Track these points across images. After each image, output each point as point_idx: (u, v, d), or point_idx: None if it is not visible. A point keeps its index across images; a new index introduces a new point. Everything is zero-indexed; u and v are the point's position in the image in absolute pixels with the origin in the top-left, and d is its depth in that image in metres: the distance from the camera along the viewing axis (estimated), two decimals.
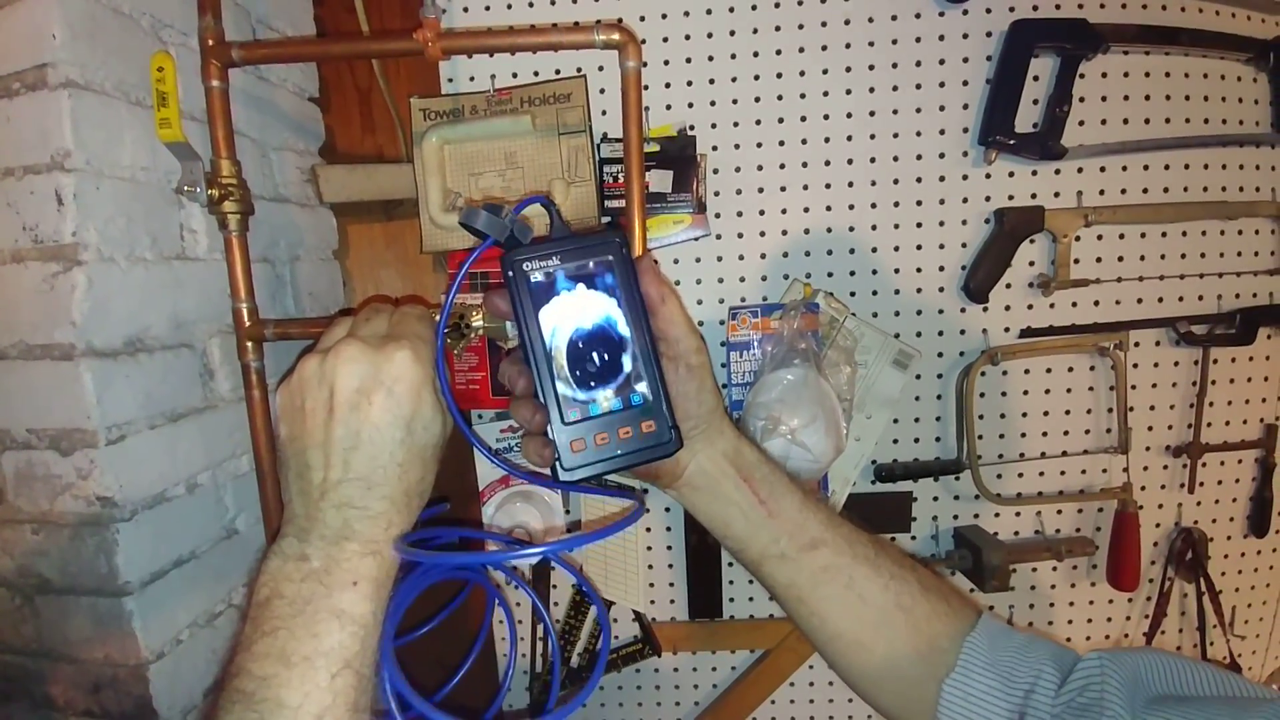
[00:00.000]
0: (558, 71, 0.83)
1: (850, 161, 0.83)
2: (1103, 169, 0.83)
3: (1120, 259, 0.84)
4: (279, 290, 0.74)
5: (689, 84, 0.83)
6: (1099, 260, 0.84)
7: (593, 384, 0.42)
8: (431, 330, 0.44)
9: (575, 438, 0.42)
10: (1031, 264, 0.84)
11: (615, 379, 0.43)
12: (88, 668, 0.55)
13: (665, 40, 0.82)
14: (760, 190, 0.84)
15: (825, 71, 0.82)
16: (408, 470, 0.40)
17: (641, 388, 0.43)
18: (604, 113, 0.83)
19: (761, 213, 0.84)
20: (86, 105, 0.51)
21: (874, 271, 0.84)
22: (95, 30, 0.52)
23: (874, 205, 0.83)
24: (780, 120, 0.83)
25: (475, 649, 0.64)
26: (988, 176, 0.82)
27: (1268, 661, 0.98)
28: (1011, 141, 0.79)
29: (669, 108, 0.83)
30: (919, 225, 0.83)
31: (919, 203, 0.83)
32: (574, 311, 0.42)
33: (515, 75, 0.83)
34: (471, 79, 0.84)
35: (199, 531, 0.61)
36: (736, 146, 0.83)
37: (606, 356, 0.43)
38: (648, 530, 0.89)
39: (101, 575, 0.53)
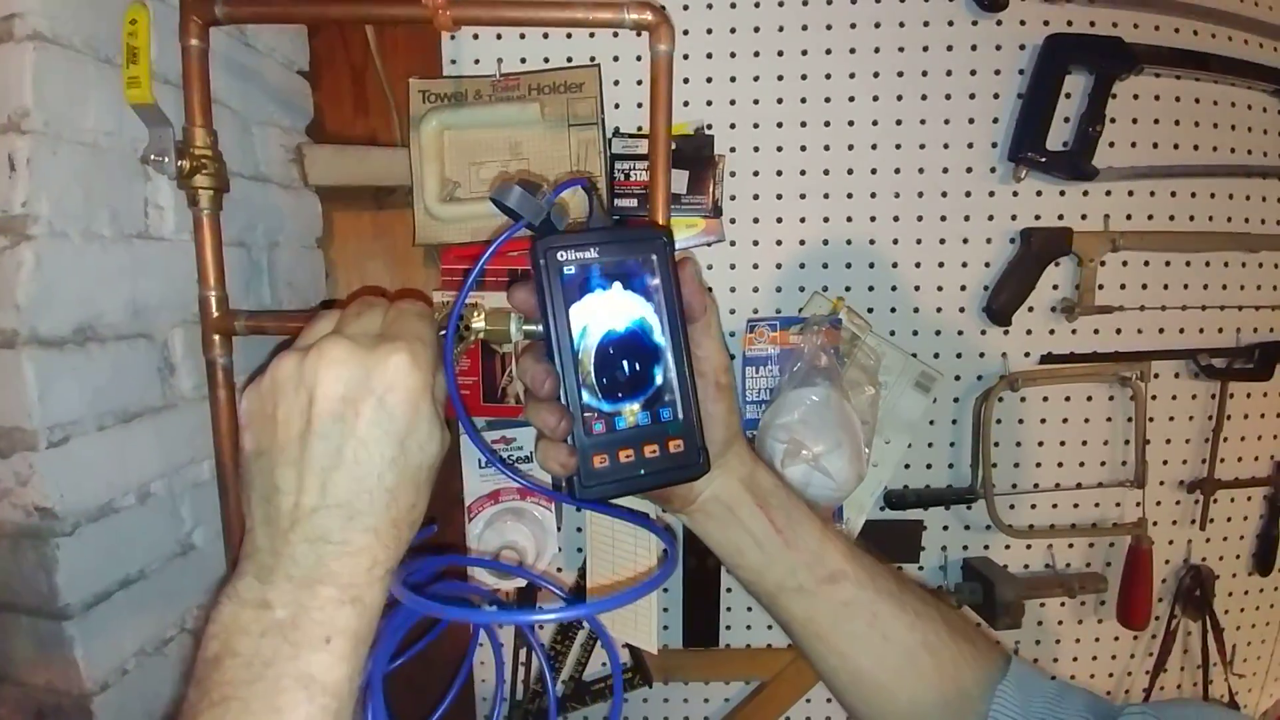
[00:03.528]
0: (569, 59, 0.78)
1: (874, 171, 0.79)
2: (1130, 193, 0.80)
3: (1144, 286, 0.82)
4: (254, 278, 0.68)
5: (709, 80, 0.78)
6: (1123, 286, 0.81)
7: (620, 395, 0.38)
8: (432, 331, 0.38)
9: (598, 451, 0.38)
10: (1055, 287, 0.81)
11: (645, 391, 0.39)
12: (31, 692, 0.49)
13: (685, 33, 0.77)
14: (779, 196, 0.79)
15: (852, 75, 0.78)
16: (398, 496, 0.33)
17: (671, 403, 0.39)
18: (616, 106, 0.78)
19: (779, 220, 0.80)
20: (51, 60, 0.46)
21: (893, 287, 0.80)
22: None
23: (896, 218, 0.80)
24: (803, 124, 0.78)
25: (459, 681, 0.59)
26: (1015, 194, 0.79)
27: (1263, 699, 0.97)
28: (1043, 159, 0.76)
29: (686, 104, 0.78)
30: (942, 241, 0.80)
31: (943, 218, 0.79)
32: (607, 312, 0.38)
33: (524, 61, 0.78)
34: (476, 62, 0.78)
35: (150, 547, 0.54)
36: (756, 149, 0.79)
37: (638, 366, 0.39)
38: None
39: (41, 594, 0.47)
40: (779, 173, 0.79)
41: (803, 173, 0.79)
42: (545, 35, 0.77)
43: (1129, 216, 0.80)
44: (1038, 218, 0.79)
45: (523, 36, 0.77)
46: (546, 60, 0.78)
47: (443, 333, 0.39)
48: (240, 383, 0.59)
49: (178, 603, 0.57)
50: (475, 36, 0.77)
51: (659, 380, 0.39)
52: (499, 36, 0.77)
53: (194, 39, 0.52)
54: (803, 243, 0.80)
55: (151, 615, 0.54)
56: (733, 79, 0.78)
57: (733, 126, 0.79)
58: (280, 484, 0.32)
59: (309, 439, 0.32)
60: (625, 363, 0.38)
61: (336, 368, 0.33)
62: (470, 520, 0.76)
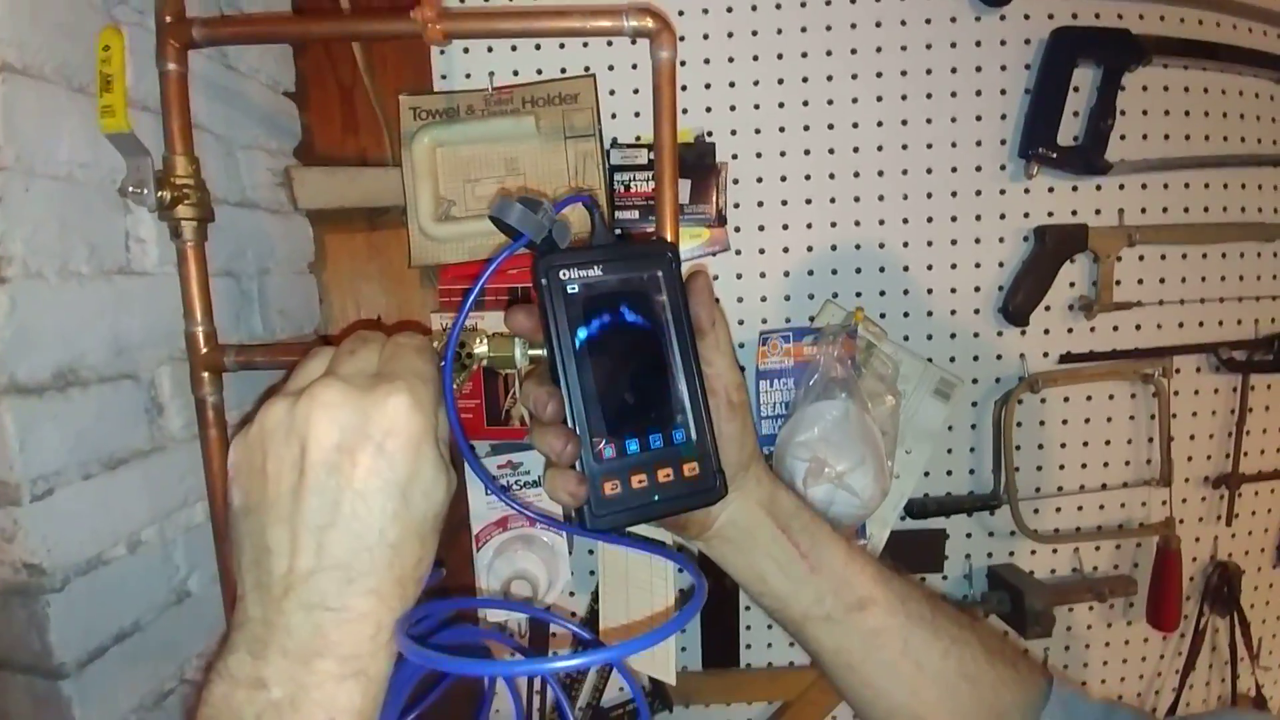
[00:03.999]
0: (563, 70, 0.76)
1: (881, 173, 0.77)
2: (1144, 186, 0.78)
3: (1161, 280, 0.79)
4: (244, 308, 0.65)
5: (707, 86, 0.76)
6: (1140, 282, 0.79)
7: (631, 417, 0.36)
8: (433, 367, 0.35)
9: (609, 478, 0.35)
10: (1072, 285, 0.78)
11: (657, 413, 0.37)
12: None
13: (682, 39, 0.75)
14: (784, 203, 0.77)
15: (855, 76, 0.76)
16: (402, 552, 0.30)
17: (684, 424, 0.37)
18: (613, 116, 0.76)
19: (785, 227, 0.77)
20: (21, 91, 0.43)
21: (905, 292, 0.78)
22: (40, 5, 0.45)
23: (906, 221, 0.77)
24: (806, 128, 0.76)
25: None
26: (1027, 192, 0.77)
27: None
28: (1054, 155, 0.74)
29: (685, 111, 0.76)
30: (953, 242, 0.78)
31: (954, 218, 0.77)
32: (614, 331, 0.36)
33: (516, 73, 0.76)
34: (468, 76, 0.76)
35: (144, 597, 0.52)
36: (758, 155, 0.77)
37: (649, 386, 0.37)
38: None
39: (35, 653, 0.45)
40: (783, 178, 0.77)
41: (808, 177, 0.77)
42: (538, 46, 0.75)
43: (1144, 210, 0.78)
44: (1051, 215, 0.77)
45: (514, 48, 0.75)
46: (540, 71, 0.76)
47: (442, 363, 0.36)
48: (233, 420, 0.57)
49: (175, 653, 0.54)
50: (465, 50, 0.75)
51: (671, 401, 0.37)
52: (490, 49, 0.75)
53: (172, 63, 0.49)
54: (810, 249, 0.78)
55: (149, 668, 0.51)
56: (732, 84, 0.76)
57: (734, 133, 0.76)
58: (272, 545, 0.29)
59: (302, 493, 0.29)
60: (635, 383, 0.37)
61: (330, 413, 0.30)
62: (478, 549, 0.73)
